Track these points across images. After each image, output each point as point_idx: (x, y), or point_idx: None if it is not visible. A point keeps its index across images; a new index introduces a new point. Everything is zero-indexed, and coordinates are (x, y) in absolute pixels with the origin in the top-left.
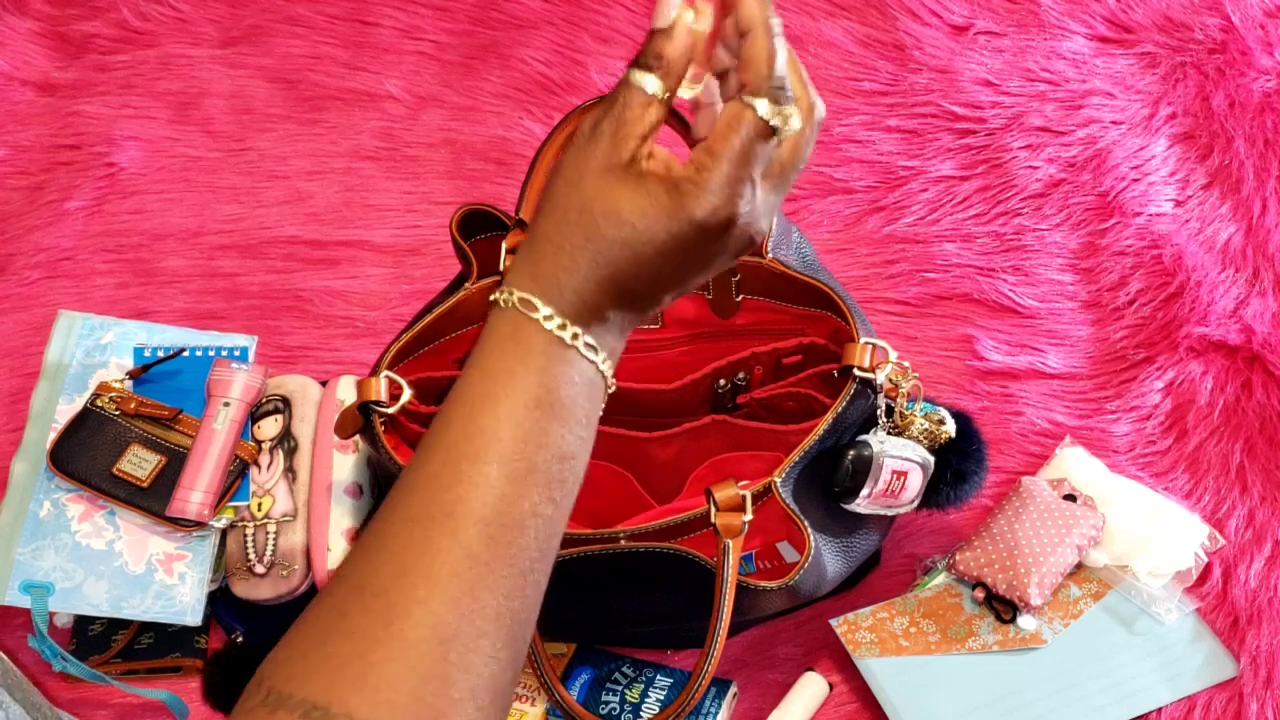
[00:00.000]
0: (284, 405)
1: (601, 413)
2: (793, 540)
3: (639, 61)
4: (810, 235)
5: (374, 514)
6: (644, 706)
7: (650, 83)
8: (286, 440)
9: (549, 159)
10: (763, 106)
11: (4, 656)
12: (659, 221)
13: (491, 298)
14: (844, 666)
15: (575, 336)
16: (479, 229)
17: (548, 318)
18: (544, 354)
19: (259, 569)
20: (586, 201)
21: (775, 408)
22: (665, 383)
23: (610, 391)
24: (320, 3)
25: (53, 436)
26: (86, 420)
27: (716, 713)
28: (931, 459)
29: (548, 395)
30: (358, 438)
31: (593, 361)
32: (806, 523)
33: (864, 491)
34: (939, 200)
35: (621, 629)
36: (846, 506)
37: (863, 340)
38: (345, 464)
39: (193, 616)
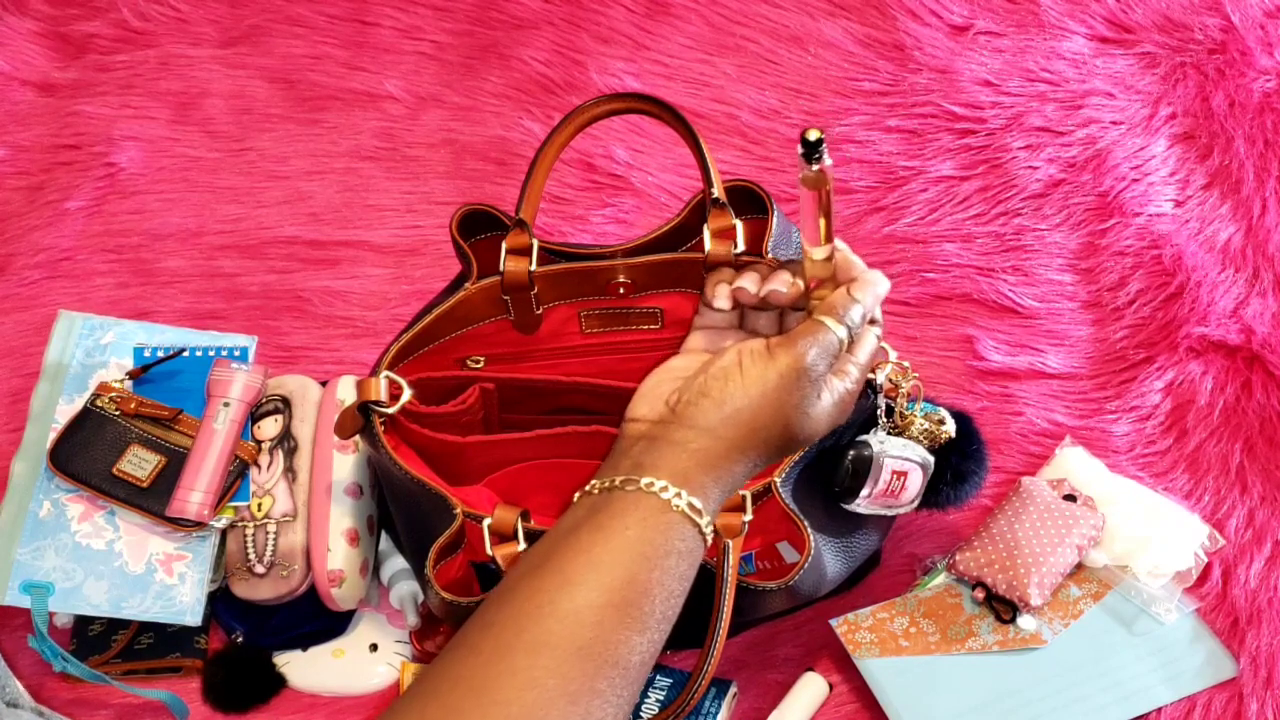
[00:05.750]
0: (284, 405)
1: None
2: (793, 540)
3: (844, 319)
4: None
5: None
6: (644, 706)
7: (846, 337)
8: (286, 440)
9: (549, 159)
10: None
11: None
12: (829, 427)
13: (655, 490)
14: (844, 666)
15: (700, 514)
16: (479, 229)
17: (700, 511)
18: (681, 532)
19: (259, 569)
20: (799, 430)
21: None
22: None
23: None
24: (320, 3)
25: (53, 436)
26: (86, 420)
27: (716, 713)
28: (931, 459)
29: (672, 563)
30: (358, 438)
31: (704, 532)
32: (806, 523)
33: (864, 491)
34: (939, 200)
35: None
36: (846, 506)
37: None
38: (345, 464)
39: (193, 616)
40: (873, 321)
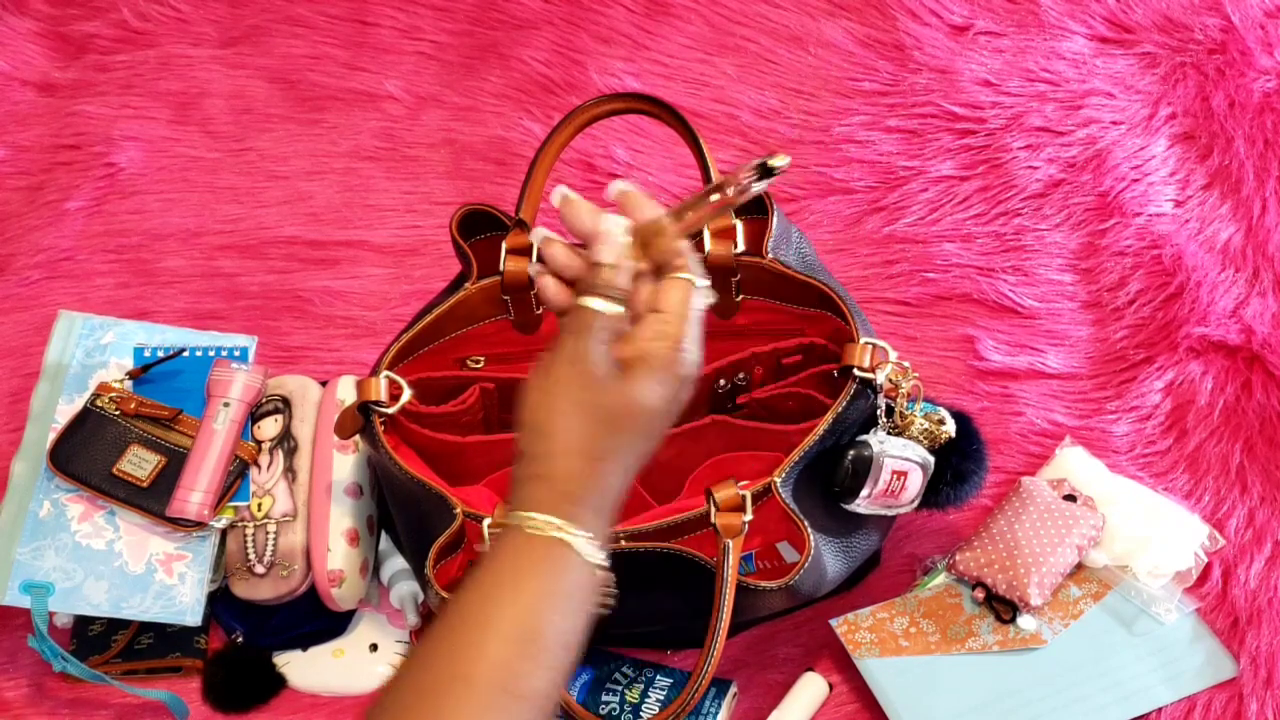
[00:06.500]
0: (284, 405)
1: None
2: (793, 540)
3: (595, 290)
4: (810, 235)
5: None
6: (644, 706)
7: (610, 307)
8: (286, 440)
9: (549, 159)
10: (696, 274)
11: None
12: (667, 395)
13: (518, 524)
14: (844, 666)
15: (587, 540)
16: (479, 229)
17: (571, 533)
18: (561, 560)
19: (259, 569)
20: (610, 415)
21: (775, 408)
22: None
23: (600, 574)
24: (320, 3)
25: (53, 436)
26: (86, 420)
27: (716, 713)
28: (931, 459)
29: (557, 592)
30: (357, 438)
31: (593, 558)
32: (806, 523)
33: (864, 491)
34: (939, 200)
35: (621, 629)
36: (846, 506)
37: (863, 340)
38: (345, 464)
39: (193, 616)
40: (677, 268)
